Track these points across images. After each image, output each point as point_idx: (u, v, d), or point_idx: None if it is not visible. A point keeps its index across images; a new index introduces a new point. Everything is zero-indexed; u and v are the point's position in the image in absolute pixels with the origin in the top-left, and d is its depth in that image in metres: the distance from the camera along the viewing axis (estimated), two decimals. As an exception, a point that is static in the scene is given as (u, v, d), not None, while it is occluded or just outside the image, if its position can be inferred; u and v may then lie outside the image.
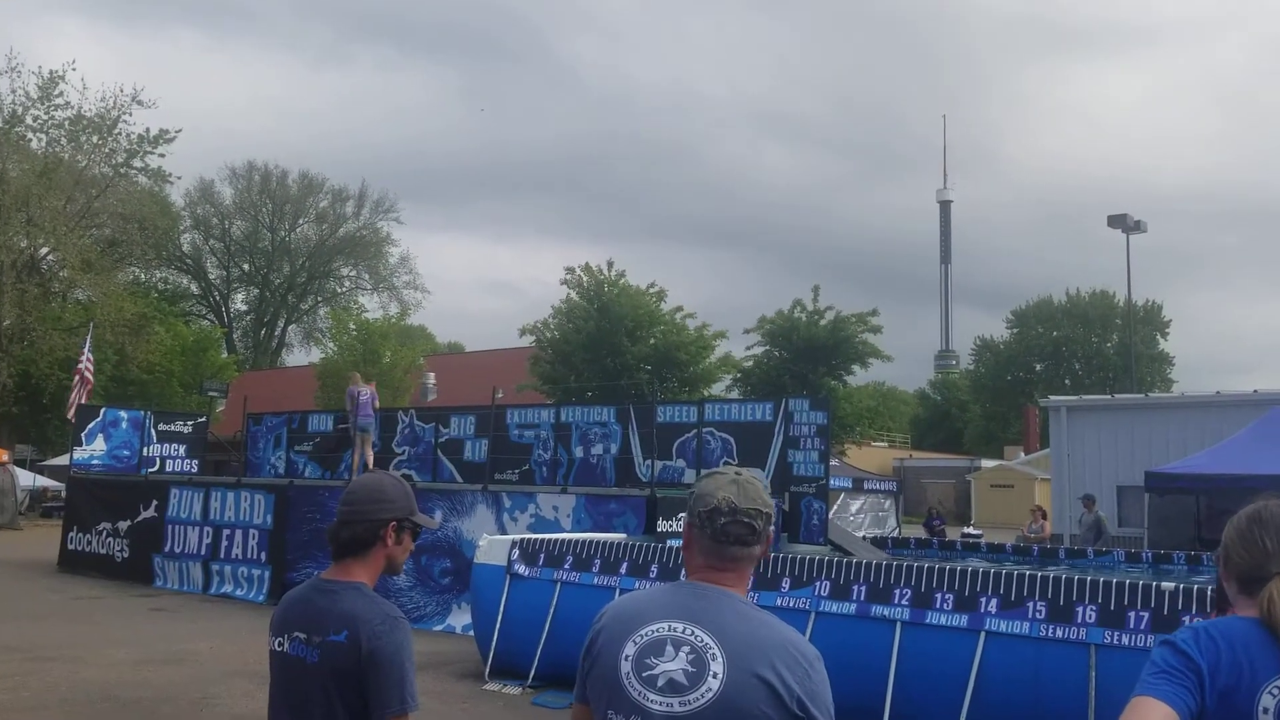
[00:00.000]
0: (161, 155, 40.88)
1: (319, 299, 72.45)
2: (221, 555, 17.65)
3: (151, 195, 44.14)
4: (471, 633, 11.86)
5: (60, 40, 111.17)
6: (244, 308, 74.78)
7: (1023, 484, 56.84)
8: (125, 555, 19.36)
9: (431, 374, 47.66)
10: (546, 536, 11.51)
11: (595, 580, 10.40)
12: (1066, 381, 74.67)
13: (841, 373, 41.57)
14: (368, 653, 2.80)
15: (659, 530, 13.30)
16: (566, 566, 10.69)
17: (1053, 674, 7.76)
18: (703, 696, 2.21)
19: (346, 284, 72.20)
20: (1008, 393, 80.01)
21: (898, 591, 8.60)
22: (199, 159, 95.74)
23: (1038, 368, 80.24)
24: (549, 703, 9.78)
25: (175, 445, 22.80)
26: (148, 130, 40.18)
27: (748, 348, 42.64)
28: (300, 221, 72.31)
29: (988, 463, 65.41)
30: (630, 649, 2.30)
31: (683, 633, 2.28)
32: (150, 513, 18.97)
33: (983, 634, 8.09)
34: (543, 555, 10.94)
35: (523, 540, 11.33)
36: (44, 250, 39.63)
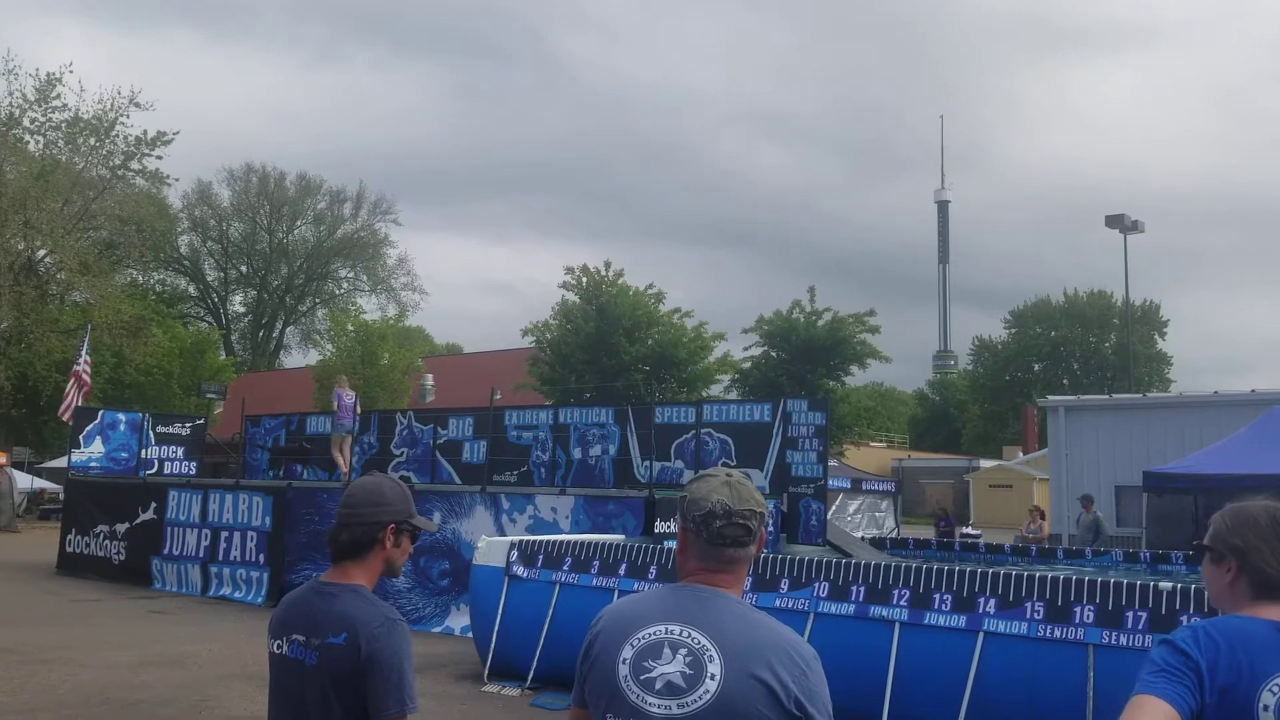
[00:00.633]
0: (159, 157, 40.91)
1: (317, 300, 72.51)
2: (220, 557, 17.64)
3: (149, 197, 44.10)
4: (470, 634, 11.86)
5: (57, 42, 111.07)
6: (242, 309, 74.86)
7: (1021, 484, 56.90)
8: (123, 557, 19.35)
9: (430, 375, 47.68)
10: (545, 538, 11.51)
11: (594, 582, 10.41)
12: (1065, 381, 74.79)
13: (840, 373, 41.59)
14: (366, 655, 2.81)
15: (657, 531, 13.31)
16: (565, 568, 10.69)
17: (1051, 674, 7.77)
18: (700, 698, 2.22)
19: (344, 285, 72.34)
20: (1006, 393, 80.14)
21: (896, 592, 8.61)
22: (196, 161, 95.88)
23: (1036, 368, 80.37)
24: (548, 704, 9.78)
25: (173, 447, 22.79)
26: (145, 132, 40.19)
27: (745, 348, 42.69)
28: (298, 223, 72.40)
29: (986, 463, 65.49)
30: (628, 652, 2.32)
31: (680, 635, 2.30)
32: (149, 515, 18.96)
33: (981, 634, 8.10)
34: (541, 557, 10.94)
35: (521, 542, 11.33)
36: (41, 252, 39.62)
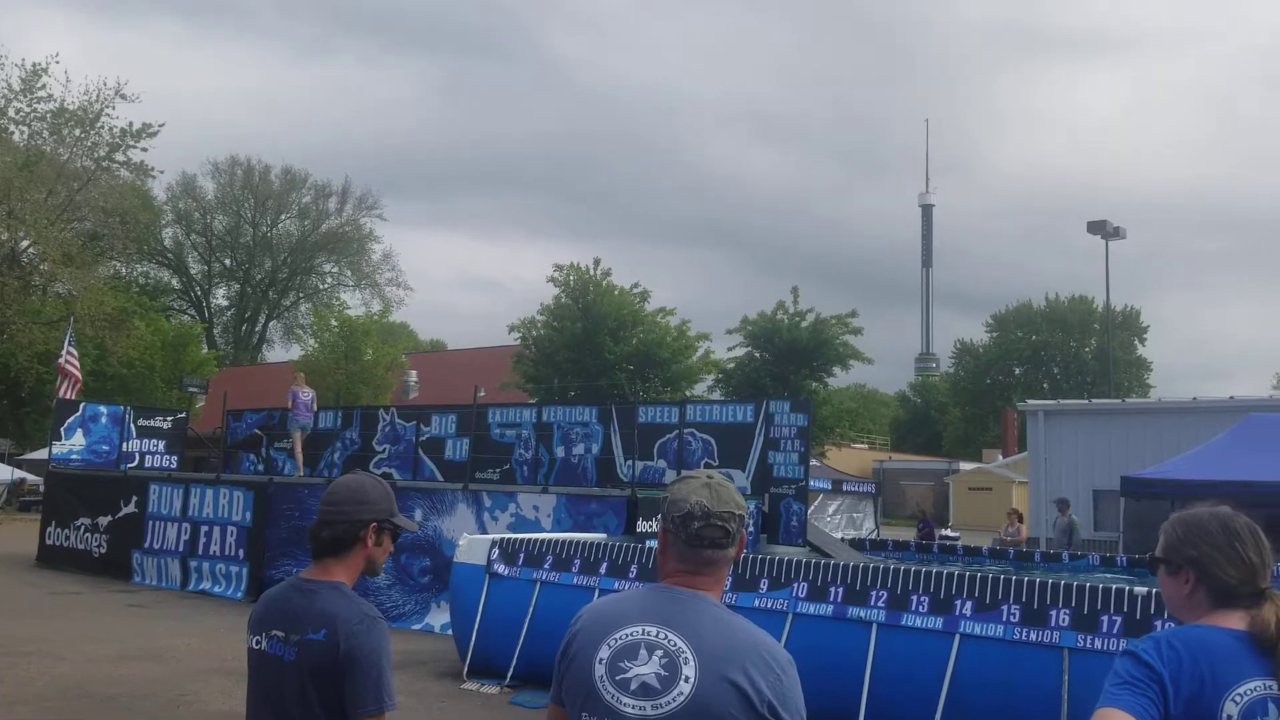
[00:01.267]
0: (144, 149, 40.72)
1: (301, 295, 72.27)
2: (200, 552, 17.60)
3: (133, 189, 43.90)
4: (450, 632, 11.87)
5: (43, 33, 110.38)
6: (225, 303, 74.54)
7: (1000, 487, 57.16)
8: (103, 551, 19.28)
9: (413, 372, 47.57)
10: (526, 536, 11.53)
11: (575, 580, 10.44)
12: (1045, 386, 75.11)
13: (822, 374, 41.70)
14: (345, 652, 2.83)
15: (639, 530, 13.34)
16: (546, 566, 10.72)
17: (1026, 677, 7.84)
18: (675, 700, 2.24)
19: (328, 280, 72.14)
20: (987, 396, 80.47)
21: (874, 593, 8.67)
22: (181, 153, 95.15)
23: (1017, 372, 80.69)
24: (526, 702, 9.82)
25: (155, 441, 22.70)
26: (130, 124, 39.99)
27: (730, 348, 42.76)
28: (283, 217, 72.14)
29: (966, 465, 65.74)
30: (605, 652, 2.34)
31: (657, 636, 2.32)
32: (130, 508, 18.91)
33: (957, 636, 8.17)
34: (522, 555, 10.97)
35: (502, 540, 11.36)
36: (24, 243, 39.37)
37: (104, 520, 19.35)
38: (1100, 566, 14.93)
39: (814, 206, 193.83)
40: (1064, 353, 78.63)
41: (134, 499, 18.90)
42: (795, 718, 2.29)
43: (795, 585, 9.10)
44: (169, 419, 23.68)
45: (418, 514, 15.08)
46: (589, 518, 13.99)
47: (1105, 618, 7.68)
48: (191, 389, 28.62)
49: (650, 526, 13.27)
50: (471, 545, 11.49)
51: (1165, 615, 7.40)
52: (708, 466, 14.98)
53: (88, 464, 21.49)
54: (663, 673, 2.27)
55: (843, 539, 17.56)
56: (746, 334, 41.77)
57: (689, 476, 2.51)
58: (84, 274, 38.36)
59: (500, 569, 11.01)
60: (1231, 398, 25.38)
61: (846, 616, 8.71)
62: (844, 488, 28.83)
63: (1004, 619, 8.03)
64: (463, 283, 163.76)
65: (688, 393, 39.06)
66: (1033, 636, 7.88)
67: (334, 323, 45.42)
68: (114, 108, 39.13)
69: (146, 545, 18.48)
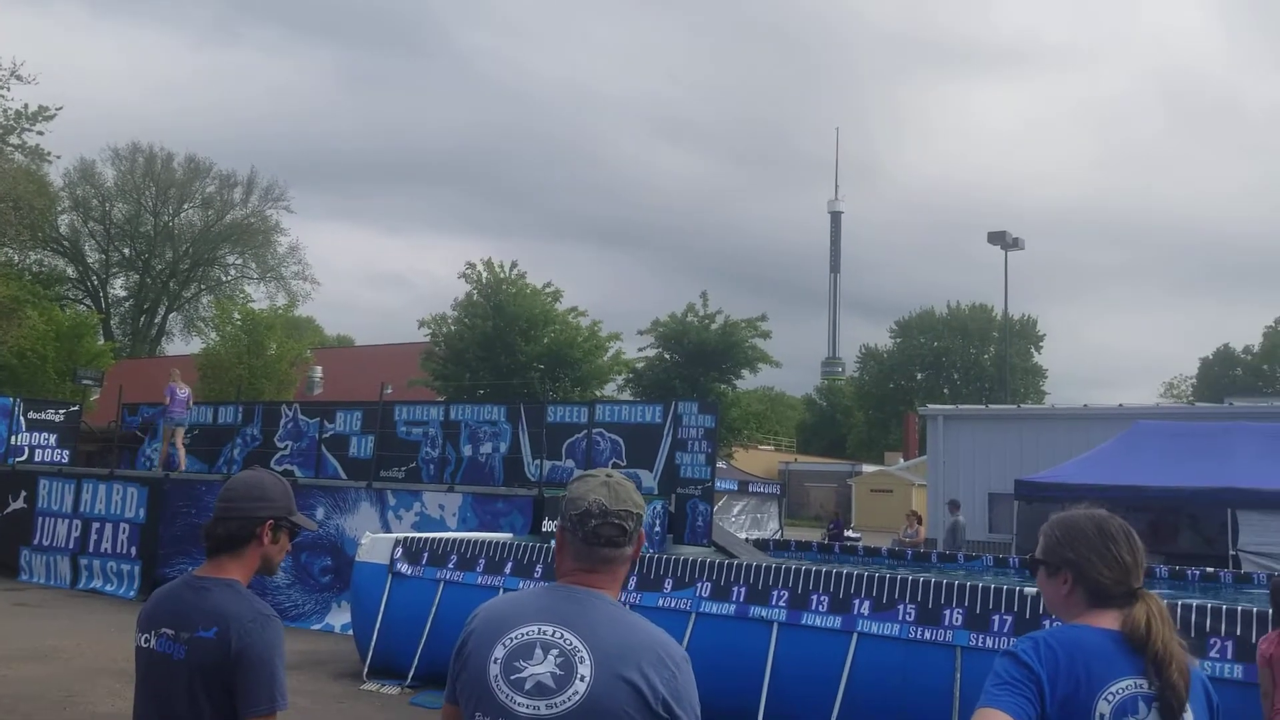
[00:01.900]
0: (40, 133, 39.18)
1: (203, 287, 70.42)
2: (91, 549, 17.08)
3: (28, 174, 42.27)
4: (351, 632, 11.72)
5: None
6: (123, 293, 72.18)
7: (901, 489, 58.24)
8: (-13, 548, 18.57)
9: (318, 367, 46.77)
10: (430, 535, 11.45)
11: (479, 580, 10.39)
12: (945, 390, 76.80)
13: (731, 377, 42.03)
14: (237, 650, 2.79)
15: (545, 530, 13.33)
16: (450, 566, 10.65)
17: (920, 674, 8.03)
18: (569, 699, 2.25)
19: (232, 272, 70.37)
20: (890, 400, 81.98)
21: (776, 593, 8.80)
22: (79, 139, 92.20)
23: (919, 376, 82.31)
24: (427, 702, 9.74)
25: (45, 434, 21.96)
26: (26, 106, 38.52)
27: (640, 349, 42.87)
28: (185, 206, 70.12)
29: (869, 468, 66.86)
30: (500, 651, 2.34)
31: (552, 635, 2.32)
32: (19, 504, 18.27)
33: (855, 635, 8.33)
34: (426, 554, 10.88)
35: (406, 539, 11.25)
36: (-91, 227, 37.76)
37: (-11, 516, 18.64)
38: (994, 567, 15.35)
39: (724, 210, 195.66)
40: (964, 359, 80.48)
41: (22, 494, 18.26)
42: (690, 714, 2.31)
43: (699, 585, 9.19)
44: (61, 412, 22.94)
45: (320, 512, 14.84)
46: (495, 517, 13.93)
47: (996, 617, 7.91)
48: (86, 381, 27.80)
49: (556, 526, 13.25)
50: (374, 544, 11.36)
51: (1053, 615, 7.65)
52: (615, 466, 15.03)
53: (-28, 458, 20.68)
54: (558, 672, 2.28)
55: (747, 539, 17.75)
56: (657, 335, 41.92)
57: (588, 475, 2.52)
58: (-28, 260, 36.90)
59: (403, 568, 10.91)
60: (1121, 405, 26.27)
61: (748, 616, 8.82)
62: (749, 489, 29.09)
63: (900, 618, 8.22)
64: (368, 277, 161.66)
65: (598, 393, 39.06)
66: (927, 635, 8.08)
67: (237, 316, 44.40)
68: (9, 89, 37.65)
69: (35, 542, 17.87)
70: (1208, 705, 2.39)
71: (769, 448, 71.80)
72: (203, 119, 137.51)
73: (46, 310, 45.87)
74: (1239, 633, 7.06)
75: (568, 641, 2.31)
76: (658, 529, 14.44)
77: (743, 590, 8.96)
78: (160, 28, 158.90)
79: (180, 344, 69.67)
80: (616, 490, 2.45)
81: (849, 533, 32.12)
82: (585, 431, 16.02)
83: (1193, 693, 2.33)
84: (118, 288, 71.87)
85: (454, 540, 11.00)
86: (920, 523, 22.62)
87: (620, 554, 2.44)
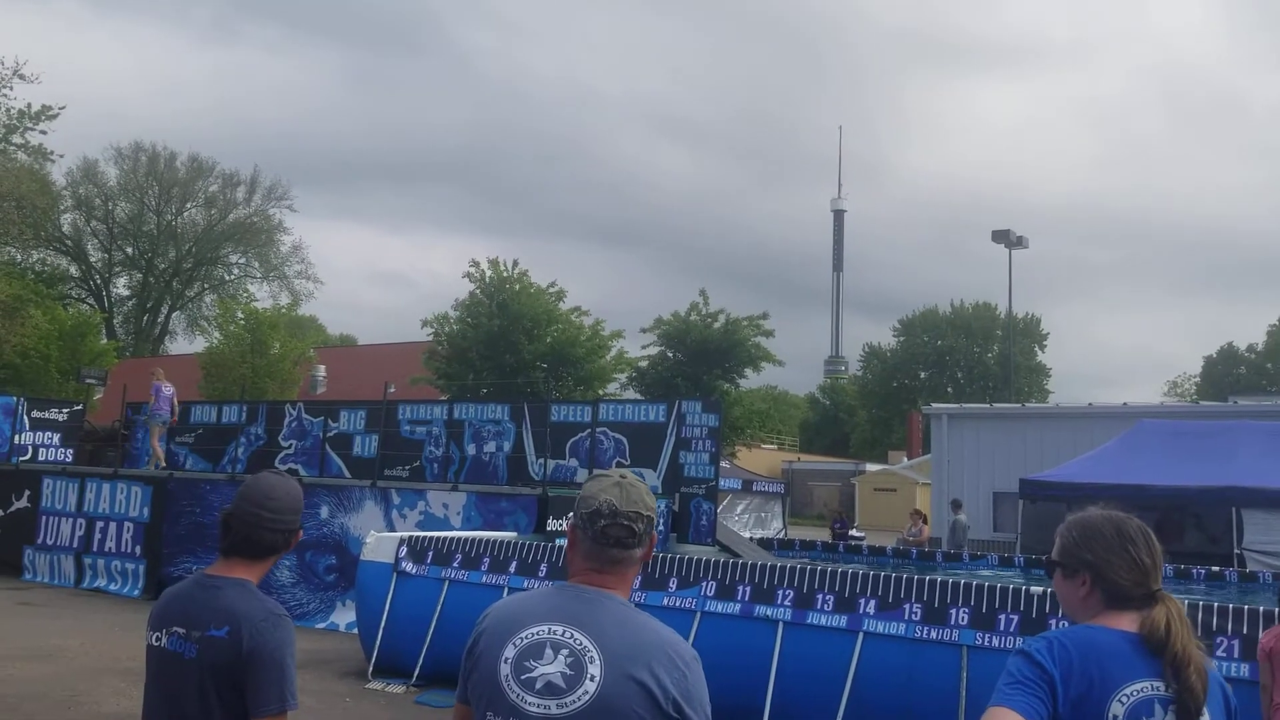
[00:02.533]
0: (43, 132, 39.21)
1: (206, 286, 70.46)
2: (95, 548, 17.10)
3: (30, 173, 42.32)
4: (356, 631, 11.72)
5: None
6: (126, 293, 72.21)
7: (905, 488, 58.21)
8: (-8, 547, 18.59)
9: (321, 366, 46.77)
10: (435, 534, 11.44)
11: (484, 579, 10.39)
12: (949, 389, 76.71)
13: (734, 375, 42.03)
14: (249, 649, 2.78)
15: (549, 529, 13.32)
16: (455, 565, 10.65)
17: (927, 674, 8.01)
18: (579, 699, 2.25)
19: (235, 271, 70.39)
20: (893, 399, 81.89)
21: (780, 592, 8.79)
22: (82, 138, 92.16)
23: (922, 375, 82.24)
24: (432, 701, 9.74)
25: (49, 434, 21.98)
26: (29, 105, 38.55)
27: (643, 347, 42.87)
28: (188, 205, 70.15)
29: (872, 466, 66.82)
30: (510, 651, 2.34)
31: (562, 635, 2.32)
32: (23, 503, 18.29)
33: (861, 634, 8.32)
34: (431, 553, 10.88)
35: (411, 538, 11.25)
36: (-88, 227, 37.79)
37: (-6, 515, 18.66)
38: (999, 566, 15.34)
39: (727, 209, 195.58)
40: (968, 358, 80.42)
41: (26, 493, 18.28)
42: (700, 714, 2.31)
43: (704, 584, 9.18)
44: (65, 411, 22.96)
45: (324, 511, 14.85)
46: (499, 516, 13.93)
47: (1003, 616, 7.89)
48: (89, 380, 27.81)
49: (561, 525, 13.25)
50: (379, 543, 11.37)
51: (1060, 614, 7.63)
52: (619, 466, 15.02)
53: (-24, 457, 20.70)
54: (568, 672, 2.28)
55: (751, 538, 17.75)
56: (660, 334, 41.91)
57: (601, 475, 2.52)
58: (-25, 259, 36.93)
59: (408, 567, 10.91)
60: (1125, 404, 26.27)
61: (754, 615, 8.81)
62: (753, 488, 29.11)
63: (906, 617, 8.21)
64: (370, 276, 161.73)
65: (601, 392, 39.06)
66: (933, 635, 8.06)
67: (240, 315, 44.42)
68: (11, 88, 37.66)
69: (39, 541, 17.89)
70: (1225, 707, 2.37)
71: (772, 447, 71.75)
72: (205, 118, 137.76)
73: (50, 309, 45.92)
74: (1245, 631, 7.05)
75: (578, 641, 2.31)
76: (661, 528, 14.43)
77: (748, 589, 8.95)
78: (163, 26, 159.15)
79: (183, 343, 69.76)
80: (628, 491, 2.44)
81: (853, 532, 32.14)
82: (589, 430, 16.01)
83: (1210, 695, 2.31)
84: (121, 287, 71.93)
85: (458, 539, 11.00)
86: (925, 521, 22.60)
87: (629, 555, 2.44)
